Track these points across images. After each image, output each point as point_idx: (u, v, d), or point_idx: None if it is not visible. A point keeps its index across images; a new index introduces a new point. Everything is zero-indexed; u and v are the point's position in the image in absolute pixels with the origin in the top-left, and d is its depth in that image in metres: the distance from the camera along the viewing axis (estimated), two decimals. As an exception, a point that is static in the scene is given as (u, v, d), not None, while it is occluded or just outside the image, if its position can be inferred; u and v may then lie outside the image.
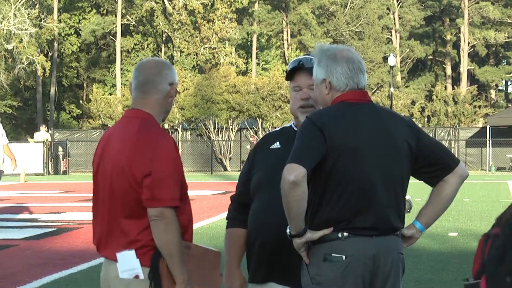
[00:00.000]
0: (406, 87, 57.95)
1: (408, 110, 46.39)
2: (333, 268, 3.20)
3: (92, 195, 3.58)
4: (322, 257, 3.22)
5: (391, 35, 60.06)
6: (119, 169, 3.32)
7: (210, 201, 17.78)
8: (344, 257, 3.20)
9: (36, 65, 47.06)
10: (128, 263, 3.30)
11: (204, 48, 48.98)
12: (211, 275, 3.49)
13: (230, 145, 38.55)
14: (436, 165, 3.39)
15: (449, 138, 38.08)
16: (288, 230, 3.24)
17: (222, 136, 38.72)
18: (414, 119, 42.25)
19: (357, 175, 3.22)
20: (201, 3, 47.94)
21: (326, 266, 3.21)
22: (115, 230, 3.34)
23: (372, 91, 53.57)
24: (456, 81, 60.88)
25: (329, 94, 3.37)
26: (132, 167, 3.29)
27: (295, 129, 3.65)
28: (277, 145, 3.63)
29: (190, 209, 3.48)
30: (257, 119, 38.66)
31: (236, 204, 3.73)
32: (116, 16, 50.50)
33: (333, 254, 3.21)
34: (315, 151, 3.18)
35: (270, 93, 38.50)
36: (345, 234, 3.21)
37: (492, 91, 62.94)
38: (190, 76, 44.24)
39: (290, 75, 3.64)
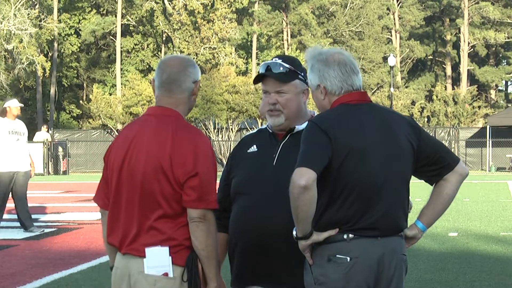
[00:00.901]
0: (406, 87, 57.95)
1: (408, 110, 46.40)
2: (337, 269, 3.20)
3: (93, 194, 3.55)
4: (327, 258, 3.21)
5: (391, 35, 60.06)
6: (158, 168, 3.21)
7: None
8: (348, 258, 3.19)
9: (36, 65, 47.05)
10: (159, 259, 3.21)
11: (204, 48, 48.97)
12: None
13: (230, 145, 38.51)
14: (437, 164, 3.39)
15: (449, 138, 38.06)
16: (294, 232, 3.23)
17: (222, 136, 38.71)
18: (414, 119, 42.21)
19: (362, 176, 3.22)
20: (201, 3, 47.91)
21: (330, 267, 3.21)
22: (146, 228, 3.24)
23: (372, 91, 53.58)
24: (456, 81, 60.88)
25: (325, 99, 3.37)
26: (174, 167, 3.20)
27: (270, 131, 3.66)
28: (253, 148, 3.65)
29: None
30: (257, 119, 38.64)
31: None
32: (116, 16, 50.49)
33: (337, 255, 3.20)
34: (323, 153, 3.17)
35: (270, 93, 38.43)
36: (351, 235, 3.21)
37: (492, 91, 62.94)
38: (190, 76, 44.18)
39: (257, 80, 3.61)
